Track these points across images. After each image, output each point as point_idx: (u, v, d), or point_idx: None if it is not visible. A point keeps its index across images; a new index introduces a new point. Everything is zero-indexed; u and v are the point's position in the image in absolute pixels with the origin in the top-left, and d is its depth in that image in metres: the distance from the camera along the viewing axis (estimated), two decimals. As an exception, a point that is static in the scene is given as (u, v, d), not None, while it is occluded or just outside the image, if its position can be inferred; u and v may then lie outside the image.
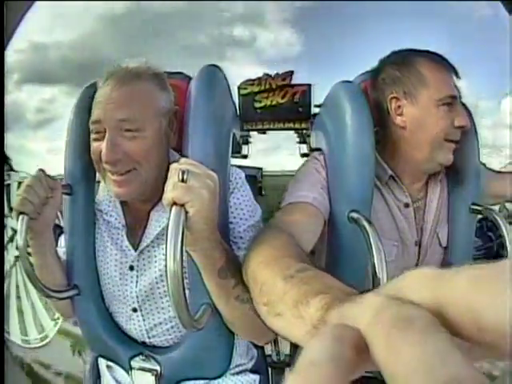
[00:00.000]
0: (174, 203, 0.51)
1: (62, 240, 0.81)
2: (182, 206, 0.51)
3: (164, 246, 0.71)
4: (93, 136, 0.69)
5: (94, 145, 0.68)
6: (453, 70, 0.77)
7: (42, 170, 0.72)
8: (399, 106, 0.78)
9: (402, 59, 0.79)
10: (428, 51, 0.79)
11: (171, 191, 0.52)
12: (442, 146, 0.76)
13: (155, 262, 0.73)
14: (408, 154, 0.79)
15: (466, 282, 0.16)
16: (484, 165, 0.88)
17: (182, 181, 0.52)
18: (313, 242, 0.71)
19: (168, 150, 0.73)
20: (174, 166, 0.55)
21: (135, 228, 0.75)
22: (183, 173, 0.52)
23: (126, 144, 0.66)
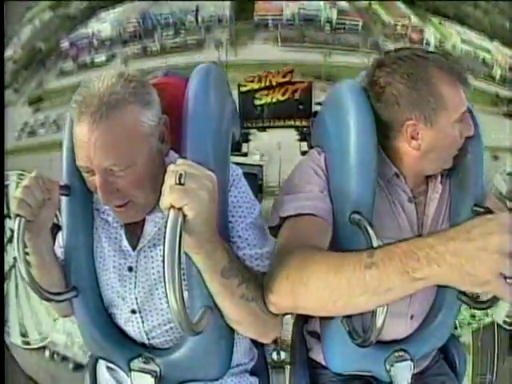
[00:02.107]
0: (172, 207, 0.51)
1: (61, 239, 0.81)
2: (180, 209, 0.51)
3: (161, 247, 0.70)
4: (84, 174, 0.68)
5: (89, 179, 0.67)
6: (463, 81, 0.75)
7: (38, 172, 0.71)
8: (415, 130, 0.74)
9: (416, 72, 0.73)
10: (437, 57, 0.75)
11: (168, 195, 0.51)
12: (450, 156, 0.78)
13: (152, 262, 0.73)
14: (416, 165, 0.79)
15: None
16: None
17: (180, 183, 0.51)
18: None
19: (163, 161, 0.72)
20: (170, 169, 0.54)
21: (133, 227, 0.75)
22: (180, 175, 0.51)
23: (118, 182, 0.65)
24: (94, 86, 0.63)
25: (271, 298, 0.64)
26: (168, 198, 0.51)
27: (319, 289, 0.57)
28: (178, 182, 0.51)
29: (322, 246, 0.71)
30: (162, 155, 0.71)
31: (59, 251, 0.80)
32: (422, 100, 0.72)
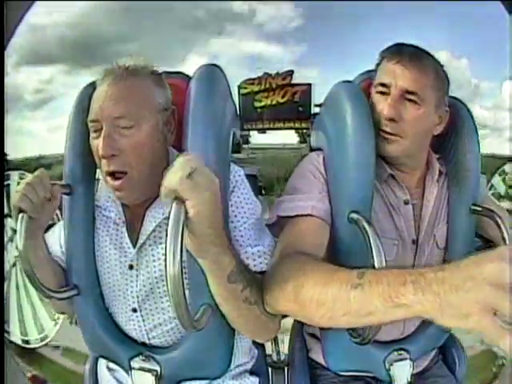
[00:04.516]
0: (176, 198, 0.51)
1: (51, 238, 0.81)
2: (183, 203, 0.51)
3: (162, 245, 0.71)
4: (92, 134, 0.70)
5: (94, 143, 0.69)
6: (415, 64, 0.75)
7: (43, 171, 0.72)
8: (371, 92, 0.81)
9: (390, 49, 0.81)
10: (417, 47, 0.78)
11: (177, 184, 0.51)
12: (378, 134, 0.76)
13: (153, 261, 0.73)
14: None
15: None
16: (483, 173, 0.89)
17: (189, 176, 0.51)
18: (322, 252, 0.72)
19: (165, 150, 0.73)
20: (183, 159, 0.55)
21: (134, 224, 0.75)
22: (192, 169, 0.52)
23: (121, 140, 0.67)
24: (120, 61, 0.72)
25: (268, 299, 0.64)
26: (175, 185, 0.51)
27: (306, 301, 0.56)
28: (188, 174, 0.51)
29: (320, 247, 0.72)
30: (165, 141, 0.73)
31: (59, 251, 0.80)
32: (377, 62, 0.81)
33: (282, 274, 0.62)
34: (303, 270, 0.60)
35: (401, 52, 0.77)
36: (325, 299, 0.53)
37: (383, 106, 0.76)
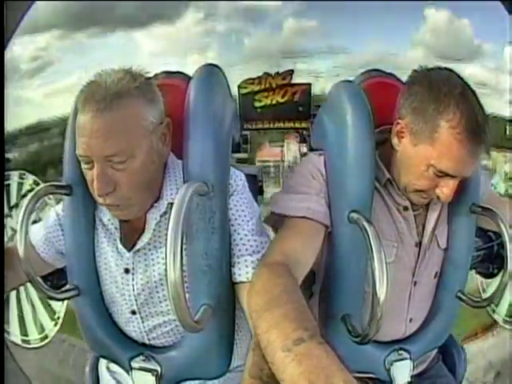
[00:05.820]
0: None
1: (36, 229, 0.81)
2: None
3: (161, 249, 0.71)
4: (83, 165, 0.66)
5: (88, 173, 0.66)
6: (474, 149, 0.67)
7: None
8: (401, 130, 0.73)
9: (437, 97, 0.68)
10: (469, 105, 0.67)
11: None
12: (416, 193, 0.75)
13: (153, 265, 0.72)
14: (398, 170, 0.77)
15: None
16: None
17: None
18: (311, 261, 0.71)
19: (161, 164, 0.71)
20: None
21: (130, 230, 0.74)
22: None
23: (116, 174, 0.64)
24: (101, 78, 0.64)
25: (246, 303, 0.63)
26: None
27: (256, 329, 0.54)
28: None
29: (312, 251, 0.72)
30: (161, 158, 0.70)
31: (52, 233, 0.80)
32: (419, 114, 0.70)
33: (257, 287, 0.61)
34: (272, 292, 0.57)
35: (472, 128, 0.66)
36: (265, 340, 0.50)
37: (443, 186, 0.71)
